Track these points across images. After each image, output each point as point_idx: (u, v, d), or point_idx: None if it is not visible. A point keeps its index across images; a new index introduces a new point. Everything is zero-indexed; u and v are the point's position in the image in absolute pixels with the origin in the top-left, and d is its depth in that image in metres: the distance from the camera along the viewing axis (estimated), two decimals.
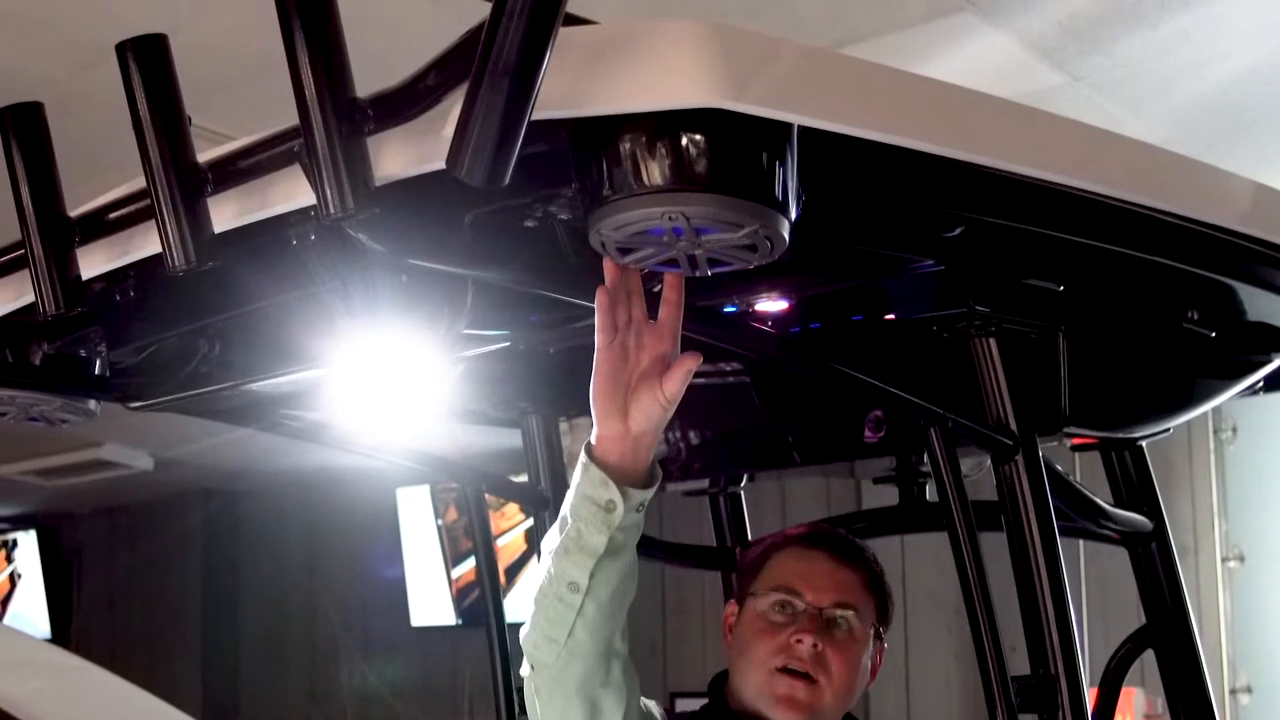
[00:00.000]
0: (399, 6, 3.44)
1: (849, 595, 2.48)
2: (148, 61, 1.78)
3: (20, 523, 11.02)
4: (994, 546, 2.28)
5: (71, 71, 3.91)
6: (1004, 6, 3.62)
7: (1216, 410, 5.79)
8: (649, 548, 3.57)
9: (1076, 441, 2.81)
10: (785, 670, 2.43)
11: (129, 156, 1.87)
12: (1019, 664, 2.24)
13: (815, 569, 2.50)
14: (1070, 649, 2.26)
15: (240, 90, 3.67)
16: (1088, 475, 2.91)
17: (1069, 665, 2.25)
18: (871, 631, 2.51)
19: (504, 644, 2.97)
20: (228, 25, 3.62)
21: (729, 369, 2.90)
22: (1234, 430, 6.40)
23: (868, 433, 2.68)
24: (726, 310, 2.35)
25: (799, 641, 2.43)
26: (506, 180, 1.53)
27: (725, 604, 2.61)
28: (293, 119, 1.72)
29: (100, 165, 2.62)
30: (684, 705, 8.06)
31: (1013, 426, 2.30)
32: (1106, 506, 2.68)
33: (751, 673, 2.46)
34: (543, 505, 3.08)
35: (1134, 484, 2.77)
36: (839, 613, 2.46)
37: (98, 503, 10.43)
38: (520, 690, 2.93)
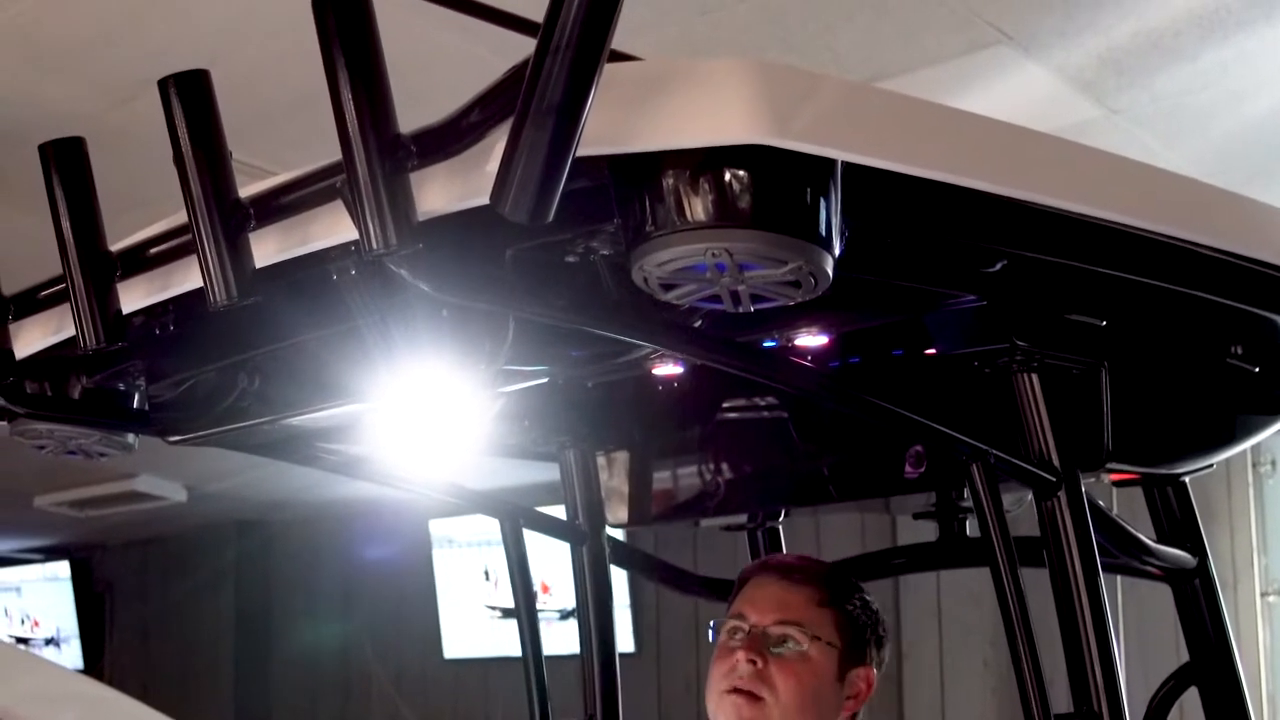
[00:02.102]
0: (430, 40, 3.44)
1: (792, 613, 2.53)
2: (190, 97, 1.79)
3: (54, 554, 11.05)
4: (1030, 581, 2.26)
5: (107, 106, 3.93)
6: (1042, 40, 3.61)
7: (1255, 444, 5.76)
8: (686, 582, 3.58)
9: (1118, 477, 2.78)
10: (732, 690, 2.51)
11: (164, 191, 1.87)
12: (1056, 699, 2.22)
13: (761, 592, 2.58)
14: (1113, 686, 2.23)
15: (277, 124, 3.69)
16: (1125, 509, 2.89)
17: (1112, 703, 2.22)
18: (830, 648, 2.54)
19: (541, 678, 2.97)
20: (264, 59, 3.63)
21: (767, 404, 2.90)
22: (1273, 464, 6.36)
23: (908, 468, 2.66)
24: (766, 345, 2.35)
25: (739, 661, 2.51)
26: (551, 217, 1.52)
27: None
28: (329, 153, 1.73)
29: (135, 200, 2.63)
30: None
31: (1055, 462, 2.27)
32: (1149, 542, 2.66)
33: (709, 699, 2.57)
34: (580, 540, 3.07)
35: (1177, 520, 2.75)
36: (781, 630, 2.52)
37: (131, 535, 10.45)
38: None
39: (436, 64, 3.21)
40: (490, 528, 3.14)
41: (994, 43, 3.62)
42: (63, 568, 11.04)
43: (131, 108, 3.88)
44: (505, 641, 8.95)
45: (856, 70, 3.67)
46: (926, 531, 3.09)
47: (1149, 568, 2.72)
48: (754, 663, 2.49)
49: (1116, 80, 3.79)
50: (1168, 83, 3.80)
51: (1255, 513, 6.34)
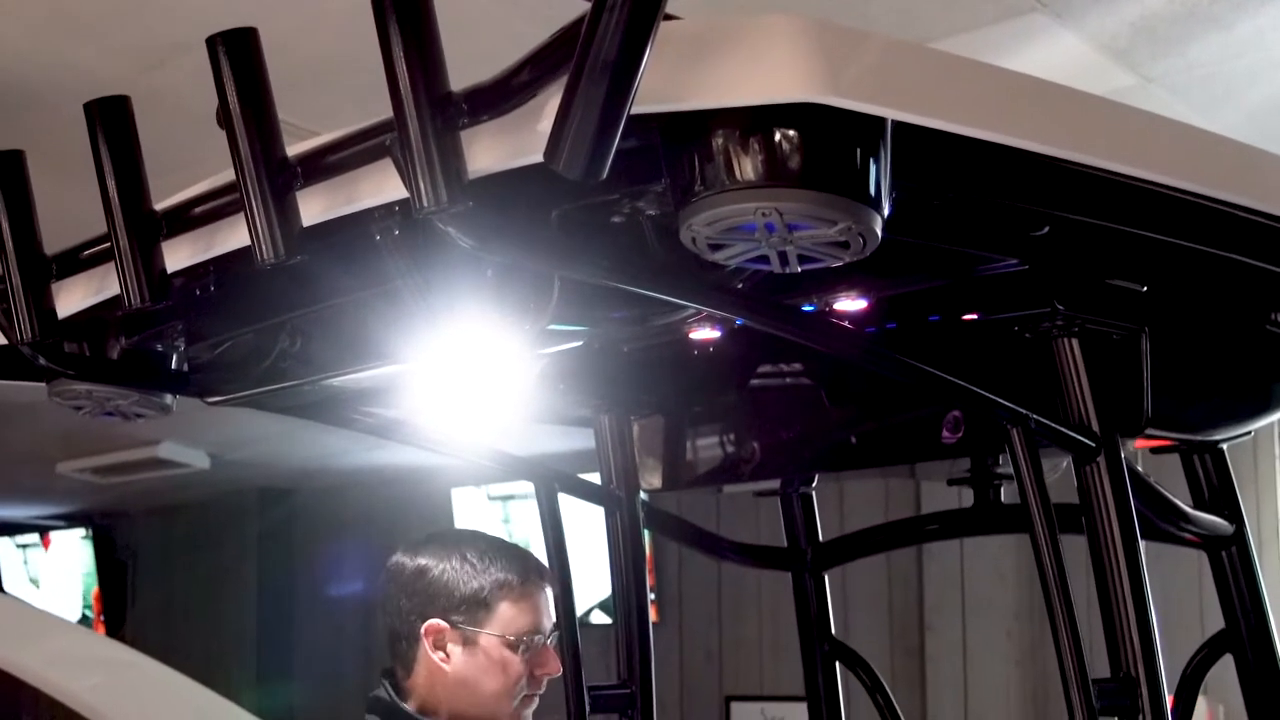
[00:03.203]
0: (468, 7, 3.44)
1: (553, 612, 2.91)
2: (238, 55, 1.78)
3: (76, 521, 11.09)
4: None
5: (138, 71, 3.92)
6: (1076, 7, 3.60)
7: None
8: (720, 548, 3.58)
9: (1155, 443, 2.78)
10: (533, 695, 2.86)
11: (196, 155, 1.87)
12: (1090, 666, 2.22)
13: (541, 604, 2.88)
14: (1151, 651, 2.24)
15: (311, 89, 3.68)
16: (1153, 476, 2.88)
17: (1149, 668, 2.23)
18: None
19: (575, 645, 2.96)
20: (300, 24, 3.63)
21: (801, 370, 2.90)
22: None
23: (945, 433, 2.67)
24: (805, 310, 2.35)
25: (547, 673, 2.86)
26: (605, 174, 1.52)
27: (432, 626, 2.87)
28: (365, 116, 1.73)
29: (167, 164, 2.63)
30: (739, 709, 8.11)
31: (1095, 427, 2.28)
32: (1187, 509, 2.66)
33: (504, 702, 2.83)
34: (615, 505, 3.07)
35: (1215, 487, 2.75)
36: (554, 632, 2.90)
37: (154, 502, 10.48)
38: (591, 690, 2.95)
39: (468, 29, 3.20)
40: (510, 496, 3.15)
41: (1028, 10, 3.61)
42: (85, 535, 11.08)
43: (163, 72, 3.88)
44: None
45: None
46: (950, 498, 3.09)
47: (1186, 534, 2.72)
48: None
49: (1151, 48, 3.77)
50: (1203, 51, 3.78)
51: None
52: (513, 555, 2.89)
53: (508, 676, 2.82)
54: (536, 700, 2.86)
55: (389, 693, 2.87)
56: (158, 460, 8.73)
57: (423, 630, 2.82)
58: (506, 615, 2.82)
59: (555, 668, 2.86)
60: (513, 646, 2.81)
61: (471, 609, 2.81)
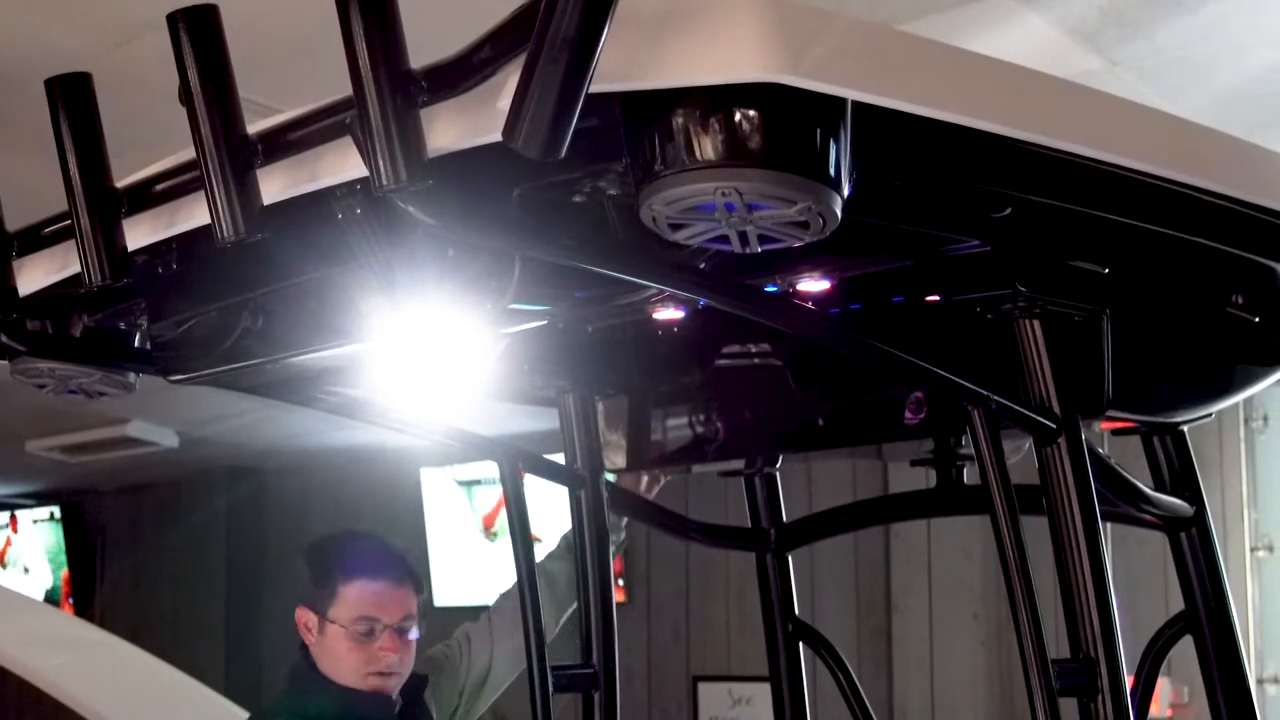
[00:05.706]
0: None
1: (409, 608, 3.31)
2: (199, 32, 1.78)
3: (45, 499, 11.05)
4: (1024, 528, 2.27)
5: (107, 48, 3.90)
6: None
7: (1248, 399, 5.77)
8: (685, 527, 3.59)
9: (1117, 425, 2.79)
10: (376, 674, 3.26)
11: (162, 133, 1.86)
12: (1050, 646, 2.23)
13: (383, 596, 3.28)
14: (1110, 633, 2.25)
15: (276, 67, 3.67)
16: (1116, 459, 2.90)
17: (1109, 648, 2.24)
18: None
19: (539, 623, 2.96)
20: (261, 2, 3.62)
21: (766, 350, 2.90)
22: (1265, 419, 6.38)
23: (908, 414, 2.67)
24: (768, 290, 2.35)
25: (385, 654, 3.25)
26: (563, 152, 1.52)
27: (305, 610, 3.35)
28: (329, 93, 1.72)
29: (132, 141, 2.62)
30: (706, 689, 8.12)
31: (1056, 409, 2.28)
32: (1148, 491, 2.67)
33: (349, 676, 3.27)
34: (579, 484, 3.07)
35: (1175, 469, 2.76)
36: (404, 623, 3.28)
37: (123, 480, 10.45)
38: (555, 669, 2.95)
39: (431, 8, 3.19)
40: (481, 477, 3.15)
41: None
42: (54, 513, 11.04)
43: (131, 49, 3.86)
44: (494, 590, 8.99)
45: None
46: (918, 479, 3.09)
47: (1146, 516, 2.73)
48: (398, 654, 3.26)
49: (1118, 32, 3.78)
50: (1169, 35, 3.78)
51: (1246, 468, 6.36)
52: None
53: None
54: (389, 680, 3.30)
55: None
56: (127, 439, 8.70)
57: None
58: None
59: (359, 647, 3.29)
60: (327, 621, 3.32)
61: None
